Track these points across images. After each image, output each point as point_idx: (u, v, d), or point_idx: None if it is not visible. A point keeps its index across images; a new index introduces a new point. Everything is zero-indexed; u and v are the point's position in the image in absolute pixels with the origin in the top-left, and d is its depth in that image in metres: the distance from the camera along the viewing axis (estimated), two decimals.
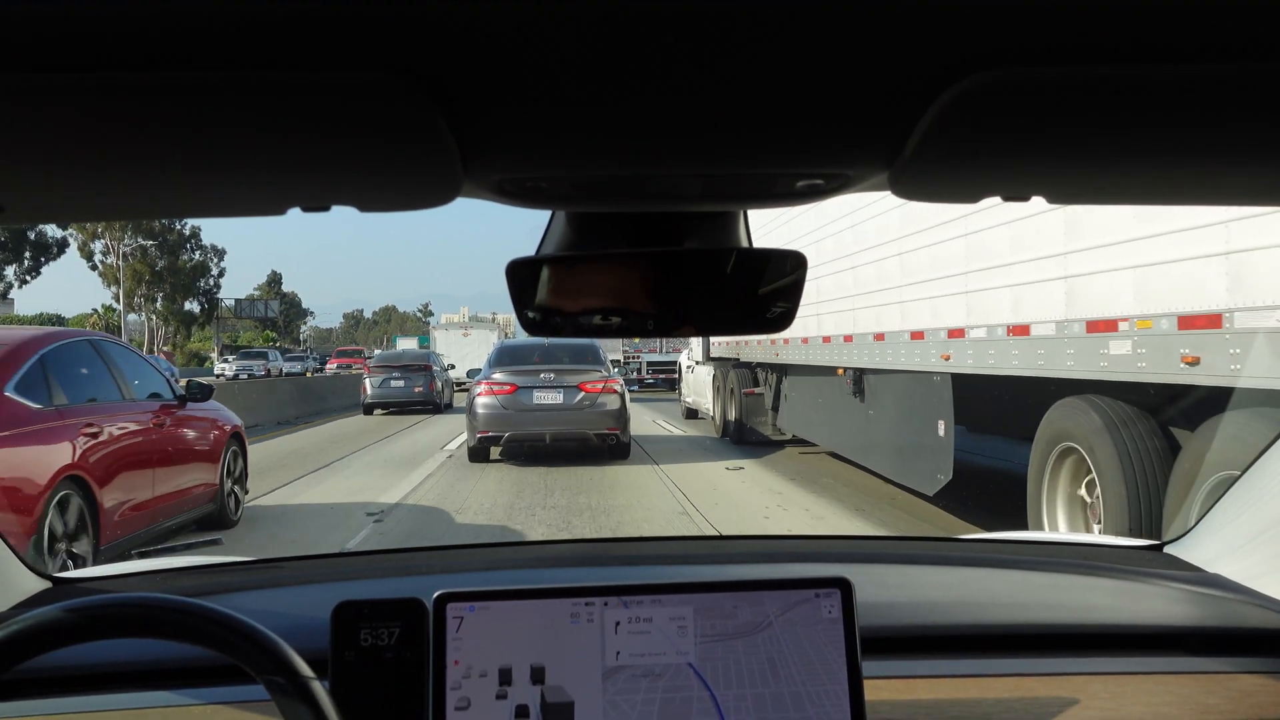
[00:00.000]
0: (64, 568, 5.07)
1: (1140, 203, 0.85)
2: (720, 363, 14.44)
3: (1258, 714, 1.16)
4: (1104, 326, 4.82)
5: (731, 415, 13.32)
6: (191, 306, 61.32)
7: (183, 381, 7.23)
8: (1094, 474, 5.04)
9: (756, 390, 12.73)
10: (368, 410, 20.58)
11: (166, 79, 0.51)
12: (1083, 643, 1.31)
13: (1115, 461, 4.79)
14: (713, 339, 14.43)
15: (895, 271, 7.72)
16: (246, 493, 7.88)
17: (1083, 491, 5.32)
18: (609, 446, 11.29)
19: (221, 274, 64.50)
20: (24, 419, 5.05)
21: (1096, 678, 1.22)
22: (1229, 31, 0.50)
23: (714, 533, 7.33)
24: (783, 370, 11.77)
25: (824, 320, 9.68)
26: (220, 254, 63.56)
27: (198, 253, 60.72)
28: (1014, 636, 1.31)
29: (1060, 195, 0.80)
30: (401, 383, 20.41)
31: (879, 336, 8.10)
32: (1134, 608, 1.39)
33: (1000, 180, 0.71)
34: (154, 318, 58.39)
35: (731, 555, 1.78)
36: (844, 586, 1.03)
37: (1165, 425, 4.79)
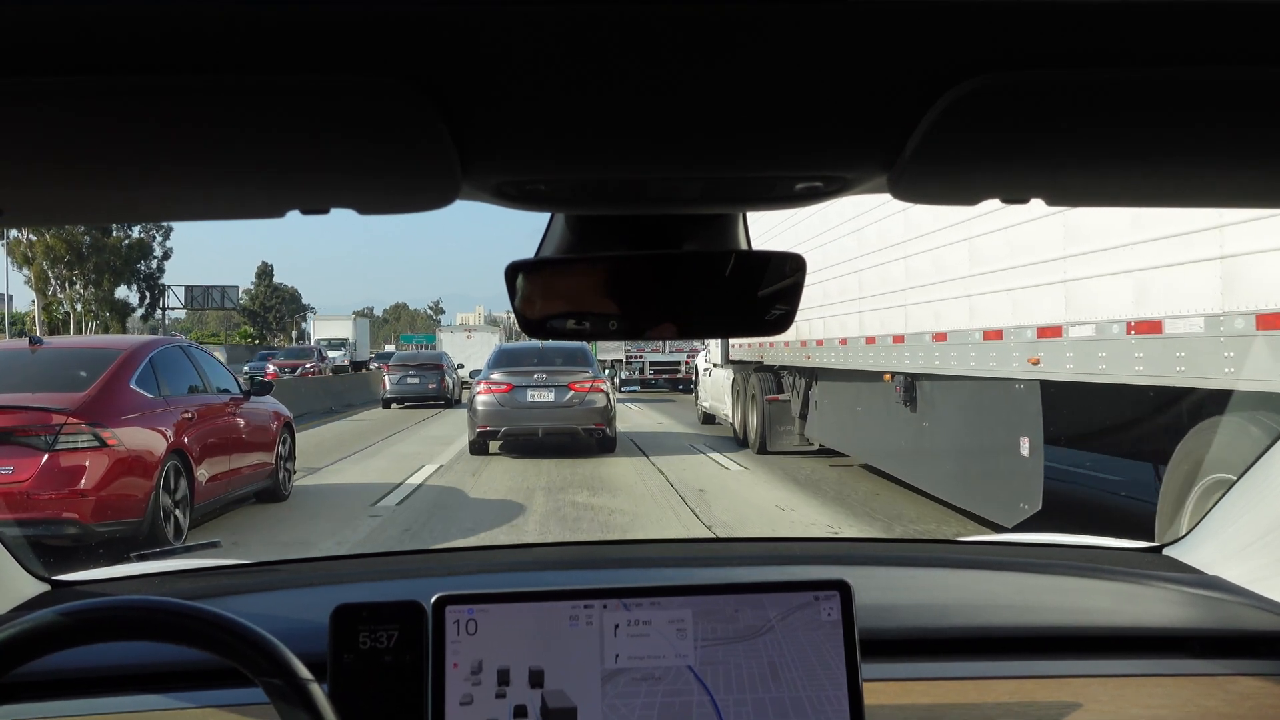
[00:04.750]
0: (168, 528, 6.52)
1: (1140, 204, 0.85)
2: (740, 366, 13.35)
3: (1258, 716, 1.15)
4: None
5: (753, 423, 12.23)
6: (129, 295, 50.02)
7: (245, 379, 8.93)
8: None
9: (781, 396, 11.66)
10: (386, 404, 22.60)
11: (166, 82, 0.51)
12: (1083, 645, 1.30)
13: None
14: (733, 340, 13.35)
15: (961, 260, 6.59)
16: (295, 472, 9.31)
17: None
18: (596, 440, 12.21)
19: (167, 255, 52.23)
20: (142, 406, 6.63)
21: (1096, 680, 1.22)
22: (1227, 34, 0.49)
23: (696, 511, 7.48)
24: (812, 375, 10.66)
25: (866, 319, 8.55)
26: (165, 231, 51.89)
27: (135, 229, 48.36)
28: (1013, 639, 1.31)
29: (1059, 197, 0.80)
30: (417, 380, 22.85)
31: (939, 336, 6.97)
32: (1134, 610, 1.38)
33: (999, 182, 0.71)
34: (78, 307, 46.45)
35: (730, 558, 1.77)
36: (843, 589, 1.03)
37: None
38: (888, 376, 8.20)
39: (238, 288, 58.61)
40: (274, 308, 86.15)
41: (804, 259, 0.93)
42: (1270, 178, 0.70)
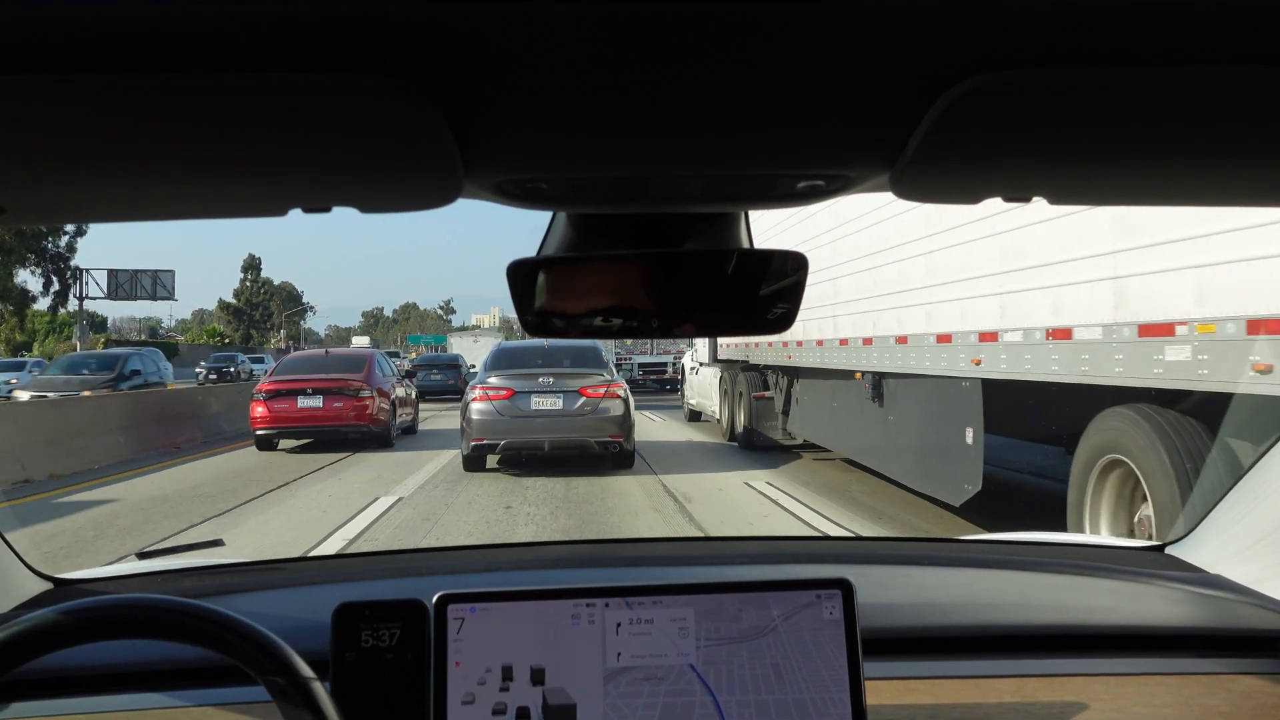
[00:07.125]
0: (392, 434, 14.47)
1: (1141, 203, 0.84)
2: (728, 365, 14.20)
3: (1260, 715, 1.15)
4: (1159, 330, 4.62)
5: (740, 419, 13.07)
6: (30, 282, 40.08)
7: (405, 365, 23.08)
8: (1144, 488, 4.84)
9: (766, 394, 12.47)
10: None
11: (168, 80, 0.51)
12: (1084, 644, 1.30)
13: (1169, 476, 4.56)
14: (720, 340, 14.17)
15: (921, 272, 7.49)
16: (419, 423, 17.22)
17: (1133, 506, 5.12)
18: (612, 455, 10.51)
19: (81, 233, 41.94)
20: (382, 380, 14.53)
21: (1098, 679, 1.21)
22: (1226, 34, 0.49)
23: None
24: (794, 373, 11.55)
25: (841, 322, 9.47)
26: None
27: None
28: (1015, 638, 1.31)
29: (1061, 196, 0.80)
30: (439, 376, 28.86)
31: (901, 339, 7.88)
32: (1135, 609, 1.38)
33: (1001, 181, 0.71)
34: None
35: (731, 557, 1.77)
36: (845, 588, 1.02)
37: (1225, 438, 4.61)
38: (859, 375, 9.12)
39: (173, 273, 48.04)
40: (262, 304, 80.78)
41: (806, 258, 0.93)
42: (1271, 177, 0.70)
